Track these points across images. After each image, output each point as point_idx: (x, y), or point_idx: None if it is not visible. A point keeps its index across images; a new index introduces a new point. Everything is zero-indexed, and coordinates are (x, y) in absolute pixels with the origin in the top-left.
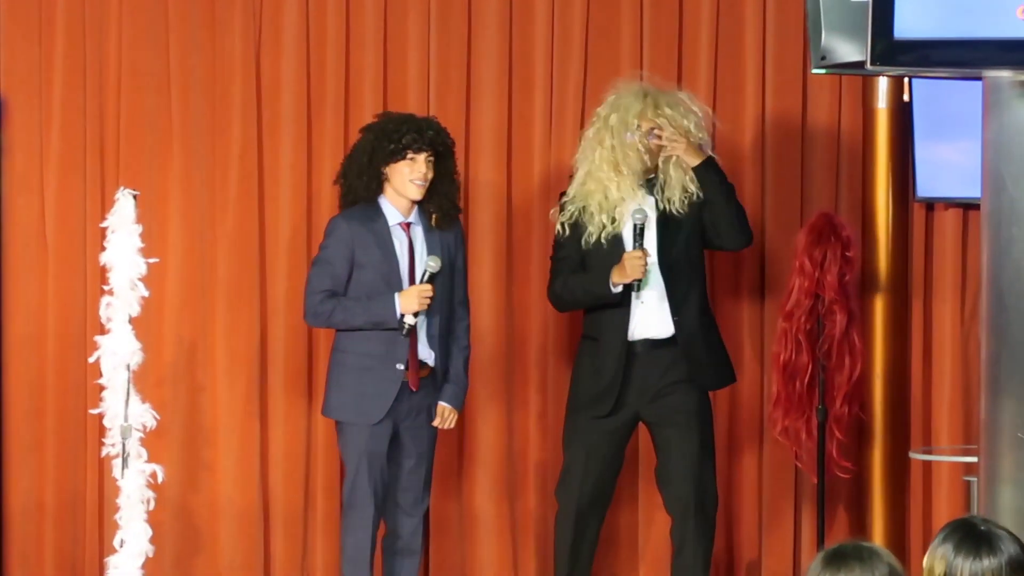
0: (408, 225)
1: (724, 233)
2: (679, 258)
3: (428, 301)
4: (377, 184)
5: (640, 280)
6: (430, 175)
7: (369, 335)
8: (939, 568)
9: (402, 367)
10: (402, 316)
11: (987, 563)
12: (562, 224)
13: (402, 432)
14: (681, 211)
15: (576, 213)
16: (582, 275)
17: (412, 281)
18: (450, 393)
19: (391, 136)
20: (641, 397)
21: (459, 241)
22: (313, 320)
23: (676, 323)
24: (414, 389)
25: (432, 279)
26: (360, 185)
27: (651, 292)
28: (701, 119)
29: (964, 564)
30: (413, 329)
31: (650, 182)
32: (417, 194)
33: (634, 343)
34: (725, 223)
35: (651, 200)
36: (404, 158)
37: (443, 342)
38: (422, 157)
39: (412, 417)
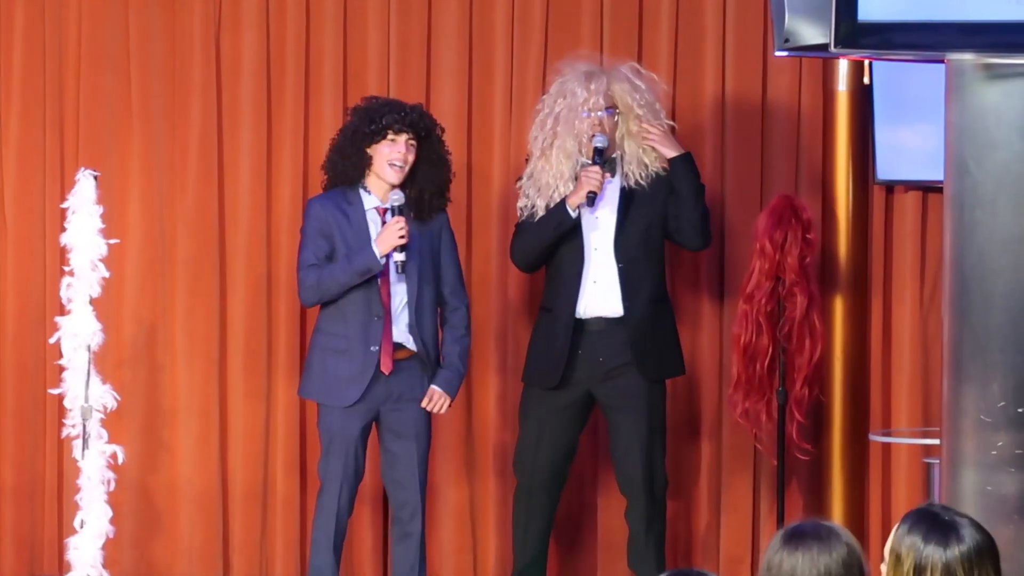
0: (384, 211)
1: (684, 231)
2: (637, 242)
3: (404, 232)
4: (360, 165)
5: (595, 194)
6: (411, 158)
7: (345, 317)
8: (908, 559)
9: (376, 349)
10: (389, 256)
11: (957, 551)
12: (520, 209)
13: (384, 416)
14: (642, 183)
15: (533, 198)
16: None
17: (386, 264)
18: (443, 377)
19: (372, 116)
20: (592, 375)
21: (444, 232)
22: (305, 295)
23: (626, 307)
24: (385, 372)
25: (401, 211)
26: (342, 166)
27: (605, 271)
28: (648, 93)
29: (935, 553)
30: (405, 266)
31: (610, 161)
32: (394, 177)
33: (586, 320)
34: (687, 222)
35: (612, 180)
36: (384, 138)
37: (426, 330)
38: (402, 139)
39: (393, 401)
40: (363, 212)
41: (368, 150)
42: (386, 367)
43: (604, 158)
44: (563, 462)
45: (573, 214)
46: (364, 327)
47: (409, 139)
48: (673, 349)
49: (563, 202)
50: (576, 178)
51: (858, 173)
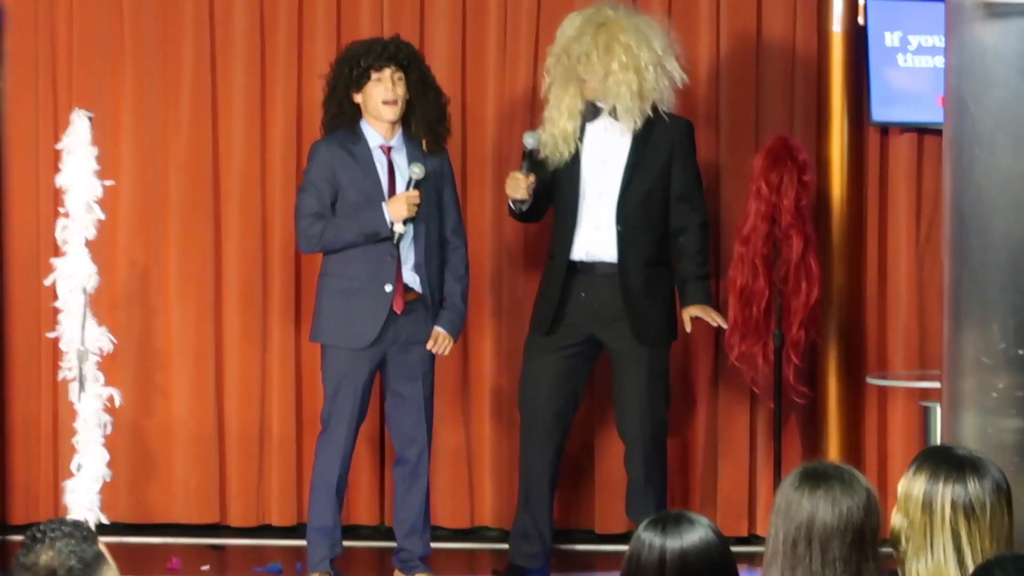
0: (389, 149)
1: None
2: (636, 206)
3: (416, 207)
4: (349, 113)
5: (523, 200)
6: (401, 91)
7: (355, 258)
8: (919, 493)
9: (390, 288)
10: (392, 224)
11: (972, 486)
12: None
13: (392, 358)
14: (643, 128)
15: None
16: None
17: None
18: (446, 319)
19: (351, 61)
20: (594, 319)
21: (445, 170)
22: (305, 244)
23: (620, 268)
24: (397, 312)
25: (418, 185)
26: (329, 116)
27: (606, 220)
28: (656, 48)
29: (946, 489)
30: (401, 238)
31: (615, 108)
32: (391, 114)
33: (589, 263)
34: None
35: (620, 126)
36: (369, 79)
37: (431, 270)
38: (387, 74)
39: (400, 342)
40: (368, 150)
41: (356, 97)
42: (398, 307)
43: (533, 159)
44: (563, 403)
45: (514, 208)
46: (377, 266)
47: (394, 72)
48: (666, 315)
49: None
50: (579, 120)
51: (853, 115)
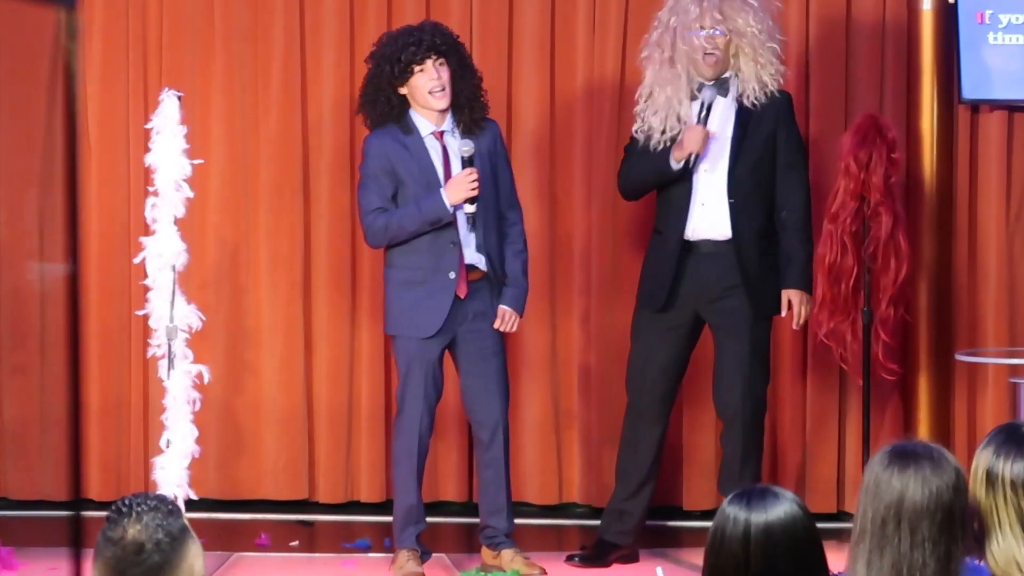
0: (441, 134)
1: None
2: (747, 175)
3: (475, 184)
4: (398, 107)
5: (698, 155)
6: (446, 76)
7: (417, 248)
8: (981, 470)
9: (454, 275)
10: (459, 207)
11: None
12: (634, 131)
13: (461, 339)
14: (756, 104)
15: (649, 120)
16: (648, 155)
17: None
18: (510, 296)
19: (391, 58)
20: (700, 297)
21: (497, 147)
22: (372, 239)
23: (735, 234)
24: (461, 296)
25: (471, 162)
26: (378, 113)
27: (715, 194)
28: (762, 12)
29: (1006, 466)
30: (474, 218)
31: (722, 81)
32: (441, 103)
33: (695, 242)
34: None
35: (726, 100)
36: (413, 73)
37: (494, 248)
38: (430, 64)
39: (468, 322)
40: (421, 139)
41: (402, 90)
42: (462, 291)
43: (709, 116)
44: (671, 383)
45: (675, 166)
46: (439, 254)
47: (436, 61)
48: (775, 288)
49: (667, 151)
50: (695, 102)
51: (943, 92)
